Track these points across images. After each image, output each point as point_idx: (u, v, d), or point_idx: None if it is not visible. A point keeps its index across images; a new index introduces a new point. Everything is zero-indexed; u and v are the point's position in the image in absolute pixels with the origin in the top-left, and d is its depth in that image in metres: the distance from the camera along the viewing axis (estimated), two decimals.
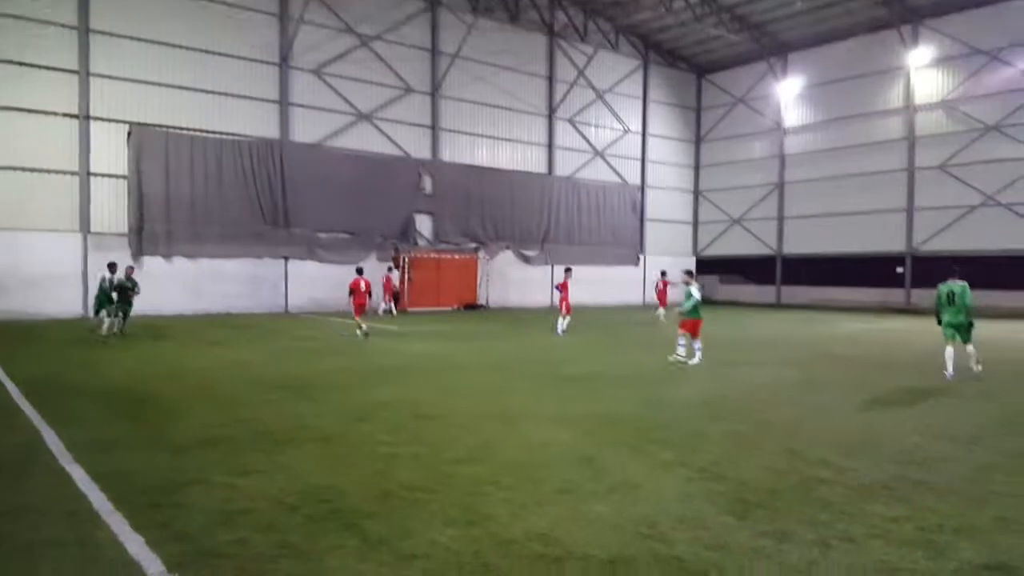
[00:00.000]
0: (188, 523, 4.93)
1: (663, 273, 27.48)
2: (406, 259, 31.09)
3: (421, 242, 32.60)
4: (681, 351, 14.12)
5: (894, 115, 35.72)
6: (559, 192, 37.34)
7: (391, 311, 28.05)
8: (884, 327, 24.53)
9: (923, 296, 34.07)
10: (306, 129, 29.73)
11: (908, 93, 35.08)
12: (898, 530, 4.84)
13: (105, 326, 17.83)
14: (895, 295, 35.27)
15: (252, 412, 8.88)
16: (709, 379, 12.16)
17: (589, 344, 18.35)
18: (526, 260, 36.12)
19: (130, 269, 19.17)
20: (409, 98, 32.45)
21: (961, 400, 10.23)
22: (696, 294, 14.20)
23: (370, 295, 19.05)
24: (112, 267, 18.43)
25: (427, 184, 32.63)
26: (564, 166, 38.01)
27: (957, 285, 12.32)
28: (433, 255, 32.19)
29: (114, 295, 18.07)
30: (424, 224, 32.90)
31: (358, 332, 18.25)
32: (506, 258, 35.43)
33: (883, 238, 35.73)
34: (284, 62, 29.01)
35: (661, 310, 25.32)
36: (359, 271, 19.31)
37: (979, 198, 32.44)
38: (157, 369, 12.77)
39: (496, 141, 35.45)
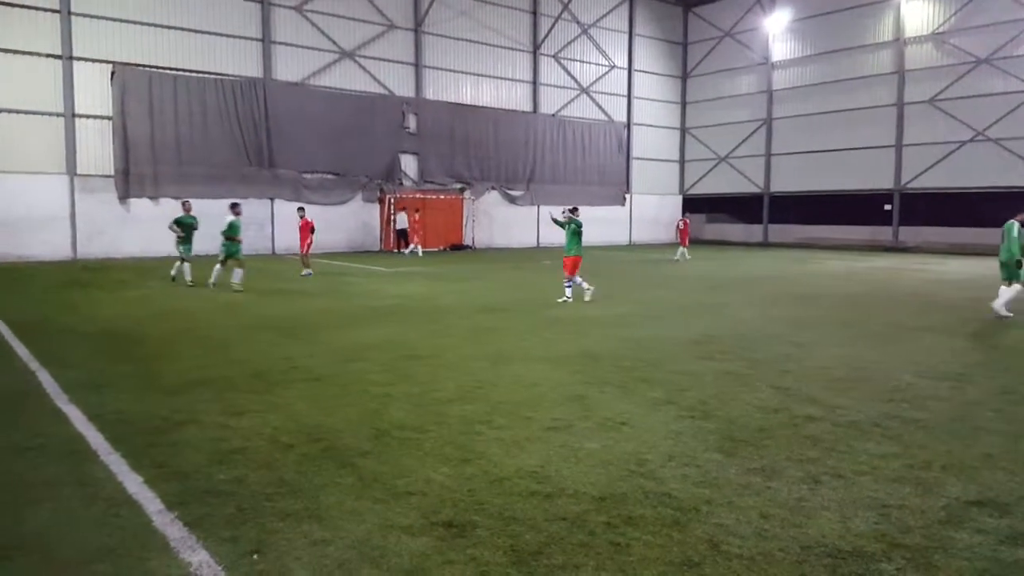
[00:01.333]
0: (185, 462, 4.94)
1: (684, 213, 29.35)
2: (391, 200, 30.75)
3: (406, 182, 32.17)
4: (568, 291, 13.99)
5: (883, 48, 35.18)
6: (544, 130, 36.77)
7: (417, 252, 28.51)
8: (872, 265, 24.72)
9: (911, 234, 34.32)
10: (289, 67, 29.01)
11: (898, 26, 34.47)
12: (887, 467, 4.91)
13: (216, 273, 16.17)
14: (883, 233, 35.44)
15: (242, 353, 8.85)
16: (698, 318, 12.21)
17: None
18: (512, 200, 35.82)
19: (186, 204, 17.53)
20: (392, 35, 31.52)
21: (951, 338, 10.35)
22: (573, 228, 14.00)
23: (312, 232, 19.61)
24: (235, 207, 16.19)
25: (411, 123, 32.02)
26: (549, 104, 37.33)
27: (1009, 223, 11.99)
28: (419, 195, 31.79)
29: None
30: (409, 164, 32.42)
31: (305, 272, 18.69)
32: (492, 198, 35.12)
33: (871, 175, 35.66)
34: None
35: (682, 249, 26.67)
36: (301, 211, 19.76)
37: (969, 133, 32.30)
38: (147, 310, 12.70)
39: (480, 78, 34.67)
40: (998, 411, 6.37)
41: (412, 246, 28.87)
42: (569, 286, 13.95)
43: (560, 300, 13.89)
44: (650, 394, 6.90)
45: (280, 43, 28.69)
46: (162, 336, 10.10)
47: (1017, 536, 3.85)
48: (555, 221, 14.60)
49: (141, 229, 25.05)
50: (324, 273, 20.44)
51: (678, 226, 27.81)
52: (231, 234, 15.73)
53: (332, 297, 14.96)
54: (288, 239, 28.55)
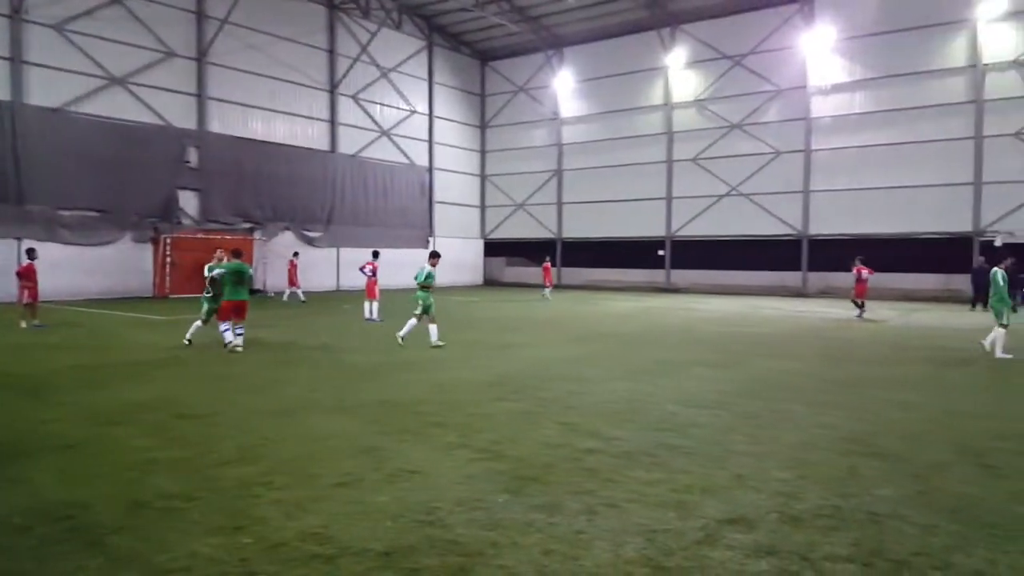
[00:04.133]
0: None
1: (548, 257, 33.67)
2: (167, 240, 28.31)
3: (186, 221, 29.87)
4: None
5: (655, 111, 39.27)
6: (344, 171, 36.24)
7: (298, 296, 27.08)
8: (649, 305, 27.02)
9: (681, 276, 38.15)
10: (46, 92, 25.84)
11: (667, 91, 38.72)
12: (654, 493, 5.29)
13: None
14: (658, 275, 39.01)
15: None
16: (497, 360, 12.50)
17: (379, 329, 18.05)
18: (309, 242, 34.63)
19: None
20: (171, 63, 29.46)
21: (711, 369, 11.52)
22: (218, 271, 13.42)
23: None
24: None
25: (192, 157, 29.96)
26: (349, 144, 36.94)
27: (994, 271, 13.30)
28: (200, 235, 29.54)
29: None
30: (189, 201, 30.17)
31: (24, 324, 16.29)
32: (287, 239, 33.68)
33: (648, 223, 39.31)
34: (16, 14, 24.91)
35: (547, 289, 30.64)
36: (30, 253, 17.03)
37: (725, 188, 36.83)
38: None
39: (273, 114, 33.47)
40: (748, 435, 7.15)
41: (292, 289, 27.43)
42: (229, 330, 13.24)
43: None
44: (445, 439, 6.88)
45: (34, 64, 25.56)
46: None
47: (760, 548, 4.29)
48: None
49: None
50: (78, 324, 18.21)
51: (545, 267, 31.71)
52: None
53: (90, 351, 13.27)
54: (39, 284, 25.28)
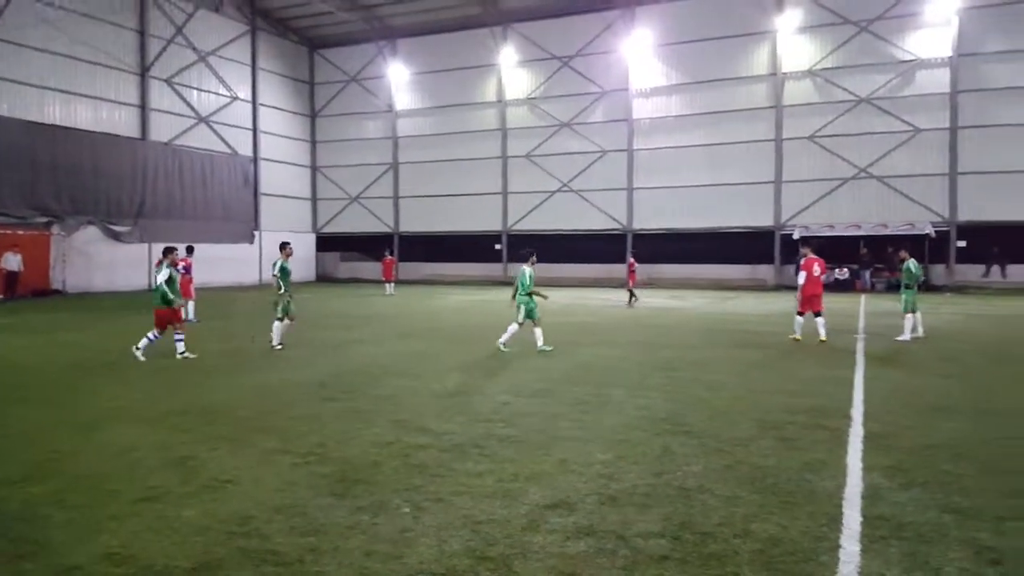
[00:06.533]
0: None
1: (389, 252, 33.53)
2: None
3: None
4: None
5: (490, 108, 39.88)
6: (157, 160, 33.34)
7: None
8: (486, 298, 27.39)
9: (518, 269, 38.94)
10: None
11: (500, 89, 39.42)
12: (481, 484, 5.32)
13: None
14: (496, 270, 39.67)
15: None
16: (329, 358, 12.07)
17: (195, 330, 16.79)
18: (116, 237, 31.48)
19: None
20: None
21: (540, 358, 11.85)
22: (162, 277, 11.61)
23: None
24: None
25: None
26: (162, 131, 34.10)
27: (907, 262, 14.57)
28: None
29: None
30: None
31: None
32: (90, 234, 30.45)
33: (485, 218, 39.86)
34: None
35: (388, 285, 30.07)
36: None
37: (557, 184, 38.14)
38: None
39: (73, 97, 30.16)
40: (574, 420, 7.42)
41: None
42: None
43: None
44: (265, 444, 6.51)
45: None
46: None
47: (580, 530, 4.45)
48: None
49: None
50: None
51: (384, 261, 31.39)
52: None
53: None
54: None
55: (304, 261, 40.25)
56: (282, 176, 41.67)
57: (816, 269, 14.07)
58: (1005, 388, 9.37)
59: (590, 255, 37.47)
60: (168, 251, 12.08)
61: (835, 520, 4.61)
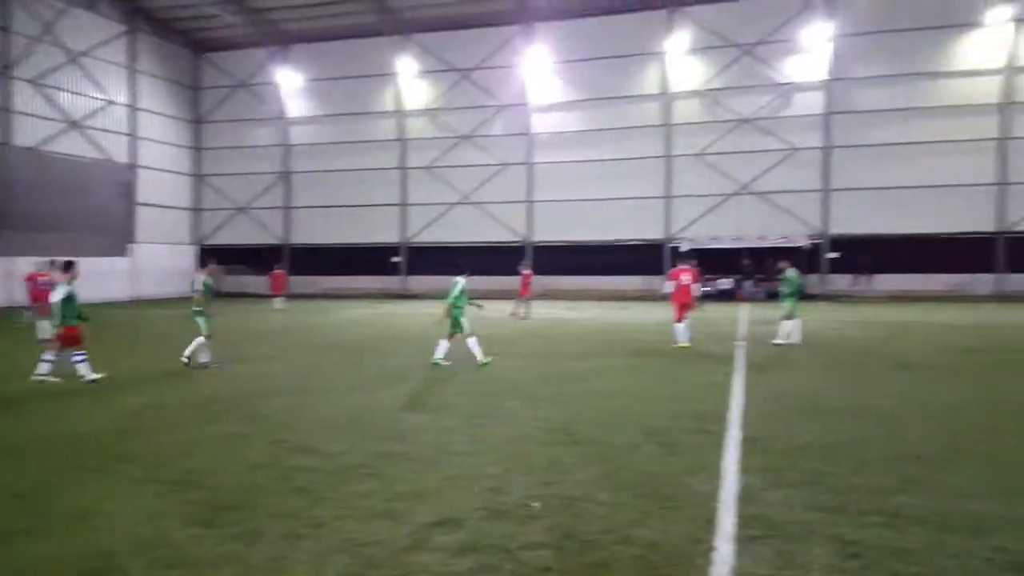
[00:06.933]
0: None
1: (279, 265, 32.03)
2: None
3: None
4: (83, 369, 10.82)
5: (388, 118, 39.43)
6: (19, 166, 30.74)
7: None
8: (383, 311, 26.91)
9: (419, 282, 38.44)
10: None
11: (398, 98, 39.02)
12: (366, 505, 5.13)
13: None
14: (394, 282, 39.06)
15: None
16: (209, 378, 11.42)
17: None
18: None
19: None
20: None
21: (440, 372, 11.68)
22: (59, 296, 10.61)
23: None
24: None
25: None
26: (26, 135, 31.52)
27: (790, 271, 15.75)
28: None
29: None
30: None
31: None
32: None
33: (383, 230, 39.23)
34: None
35: (277, 300, 28.20)
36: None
37: (457, 196, 38.08)
38: None
39: None
40: (468, 435, 7.31)
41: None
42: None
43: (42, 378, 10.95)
44: (132, 473, 6.04)
45: None
46: None
47: (465, 547, 4.35)
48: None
49: None
50: None
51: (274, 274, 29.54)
52: None
53: None
54: None
55: (183, 274, 38.15)
56: (162, 185, 39.37)
57: (684, 278, 14.78)
58: (876, 389, 10.03)
59: (490, 267, 37.52)
60: (69, 265, 11.10)
61: (711, 522, 4.75)
